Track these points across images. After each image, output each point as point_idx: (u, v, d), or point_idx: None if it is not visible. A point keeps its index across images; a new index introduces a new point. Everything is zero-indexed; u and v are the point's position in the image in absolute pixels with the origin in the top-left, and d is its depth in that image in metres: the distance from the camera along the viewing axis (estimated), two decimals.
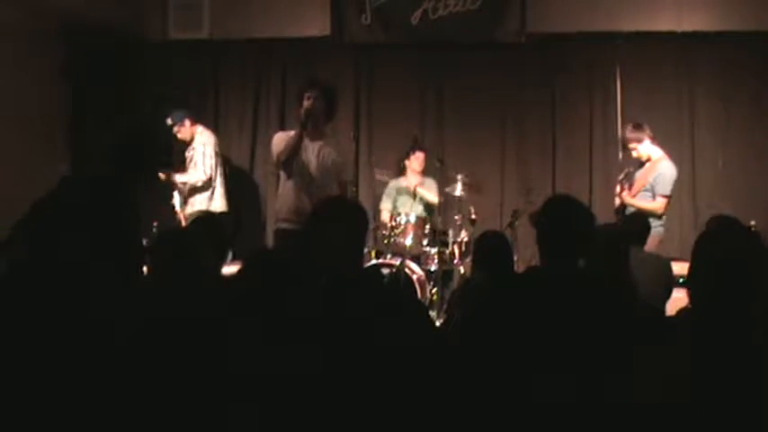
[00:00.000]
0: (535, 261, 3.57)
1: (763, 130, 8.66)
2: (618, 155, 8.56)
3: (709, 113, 8.80)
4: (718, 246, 3.09)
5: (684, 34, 8.73)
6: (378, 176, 8.60)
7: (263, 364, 2.93)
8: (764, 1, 8.55)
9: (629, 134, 7.43)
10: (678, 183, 8.62)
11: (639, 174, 7.40)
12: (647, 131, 7.42)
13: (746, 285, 2.96)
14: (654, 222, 6.85)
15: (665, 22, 8.76)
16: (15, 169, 7.80)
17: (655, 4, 8.81)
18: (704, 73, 8.83)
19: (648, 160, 7.38)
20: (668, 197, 7.24)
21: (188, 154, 8.12)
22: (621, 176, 7.47)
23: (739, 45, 8.67)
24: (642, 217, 6.35)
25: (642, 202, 7.22)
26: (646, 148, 7.39)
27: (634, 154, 7.45)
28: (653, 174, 7.26)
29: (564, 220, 3.37)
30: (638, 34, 8.80)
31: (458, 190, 8.24)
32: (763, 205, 8.30)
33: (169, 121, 8.02)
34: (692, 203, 8.71)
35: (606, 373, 2.97)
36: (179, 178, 7.96)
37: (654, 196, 7.23)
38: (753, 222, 7.40)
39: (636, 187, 7.34)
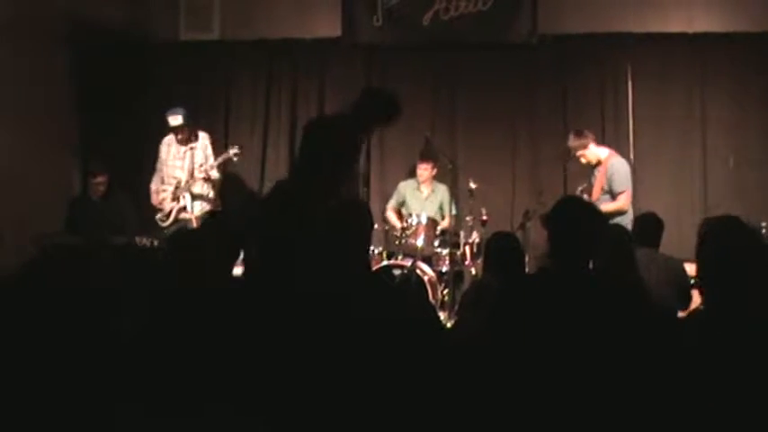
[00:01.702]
0: (546, 262, 3.56)
1: None
2: (630, 155, 8.54)
3: (720, 114, 8.78)
4: (720, 247, 3.11)
5: (696, 35, 8.73)
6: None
7: (267, 366, 2.93)
8: None
9: (573, 143, 7.46)
10: (689, 182, 8.65)
11: (594, 179, 7.39)
12: (590, 135, 7.47)
13: (751, 284, 2.96)
14: (623, 220, 6.85)
15: (676, 23, 8.76)
16: (27, 170, 7.83)
17: (666, 4, 8.81)
18: (715, 73, 8.81)
19: (599, 163, 7.38)
20: (628, 191, 7.21)
21: (186, 154, 8.10)
22: (578, 192, 7.46)
23: (750, 46, 8.65)
24: (653, 217, 6.33)
25: (606, 205, 7.19)
26: (592, 152, 7.42)
27: (583, 161, 7.48)
28: (606, 174, 7.27)
29: (574, 222, 3.37)
30: (649, 35, 8.79)
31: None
32: None
33: (180, 120, 7.98)
34: (704, 203, 8.68)
35: (617, 374, 2.96)
36: (197, 176, 7.99)
37: (613, 196, 7.21)
38: (764, 223, 7.38)
39: (595, 193, 7.34)
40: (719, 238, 3.18)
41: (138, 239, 7.18)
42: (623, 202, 7.16)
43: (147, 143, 9.05)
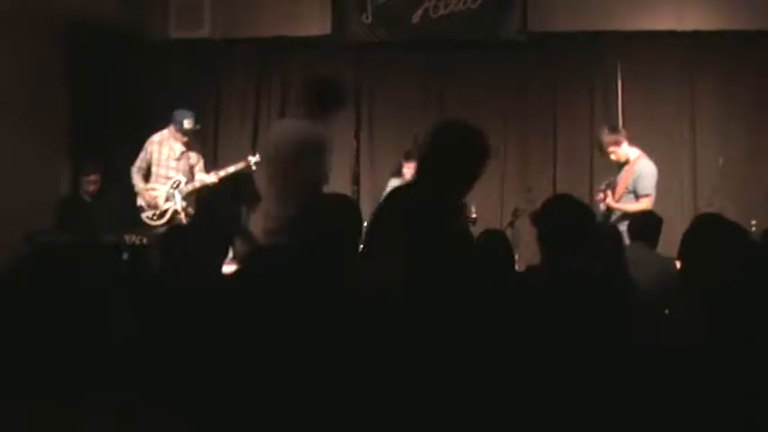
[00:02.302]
0: (536, 260, 3.57)
1: (764, 129, 8.67)
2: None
3: (709, 112, 8.80)
4: (708, 245, 3.11)
5: (686, 33, 8.74)
6: None
7: (261, 364, 2.92)
8: (765, 0, 8.55)
9: (607, 138, 7.43)
10: (678, 181, 8.67)
11: (620, 177, 7.41)
12: (624, 133, 7.47)
13: (740, 281, 2.97)
14: None
15: (666, 21, 8.77)
16: (17, 168, 7.81)
17: (656, 3, 8.82)
18: (705, 72, 8.83)
19: (627, 162, 7.40)
20: (652, 195, 7.24)
21: (184, 155, 8.10)
22: (603, 186, 7.45)
23: (740, 44, 8.68)
24: (654, 215, 6.33)
25: (627, 205, 7.24)
26: (624, 150, 7.41)
27: (612, 157, 7.46)
28: (632, 175, 7.28)
29: (563, 219, 3.37)
30: (639, 33, 8.80)
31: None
32: (764, 204, 8.29)
33: (193, 123, 8.02)
34: (693, 202, 8.71)
35: (605, 372, 2.97)
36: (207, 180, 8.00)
37: (637, 198, 7.23)
38: (753, 222, 7.41)
39: (619, 191, 7.34)
40: (701, 237, 3.19)
41: (127, 237, 7.17)
42: (645, 204, 7.17)
43: (138, 141, 9.04)
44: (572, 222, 3.37)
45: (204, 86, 9.48)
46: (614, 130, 7.52)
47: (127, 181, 8.56)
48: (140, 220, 8.05)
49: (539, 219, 3.47)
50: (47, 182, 8.65)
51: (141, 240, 7.21)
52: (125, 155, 8.97)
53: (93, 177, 8.23)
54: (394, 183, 8.76)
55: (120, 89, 9.14)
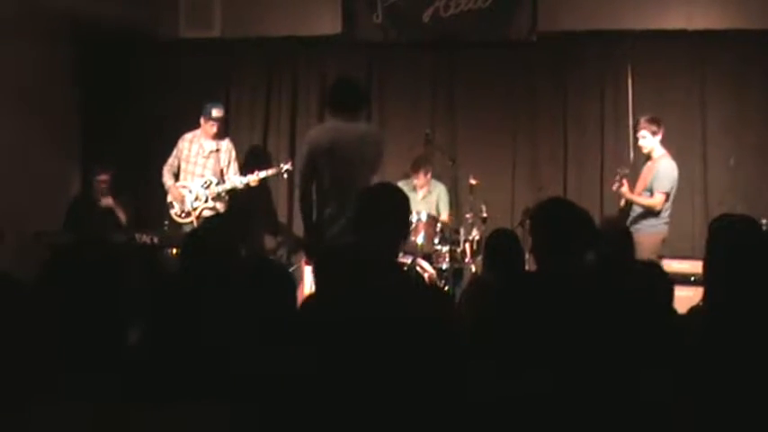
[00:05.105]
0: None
1: None
2: (630, 153, 8.55)
3: (720, 111, 8.78)
4: (732, 243, 3.10)
5: (696, 32, 8.71)
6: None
7: (274, 362, 2.93)
8: None
9: (644, 122, 7.55)
10: (690, 181, 8.63)
11: (643, 172, 7.49)
12: (662, 130, 7.51)
13: (759, 282, 2.95)
14: (654, 221, 6.96)
15: (676, 20, 8.75)
16: (27, 168, 7.84)
17: (666, 2, 8.80)
18: (716, 71, 8.81)
19: (650, 157, 7.46)
20: (666, 194, 7.31)
21: (212, 154, 8.16)
22: (619, 176, 7.52)
23: (751, 43, 8.64)
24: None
25: (638, 197, 7.40)
26: (652, 141, 7.48)
27: (641, 141, 7.56)
28: (653, 172, 7.39)
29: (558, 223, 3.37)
30: (649, 32, 8.78)
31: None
32: None
33: (222, 111, 8.27)
34: (704, 202, 8.68)
35: (617, 372, 2.96)
36: (237, 182, 8.08)
37: (652, 194, 7.29)
38: (764, 221, 7.40)
39: (639, 185, 7.46)
40: (730, 237, 3.17)
41: (137, 236, 7.20)
42: (657, 201, 7.30)
43: (148, 141, 9.06)
44: (566, 226, 3.36)
45: (214, 86, 9.48)
46: (654, 120, 7.59)
47: (137, 180, 8.60)
48: (154, 219, 8.17)
49: (534, 224, 3.48)
50: (58, 182, 8.68)
51: (152, 240, 7.24)
52: (135, 155, 9.01)
53: (103, 176, 8.27)
54: (404, 184, 8.76)
55: (131, 89, 9.17)
